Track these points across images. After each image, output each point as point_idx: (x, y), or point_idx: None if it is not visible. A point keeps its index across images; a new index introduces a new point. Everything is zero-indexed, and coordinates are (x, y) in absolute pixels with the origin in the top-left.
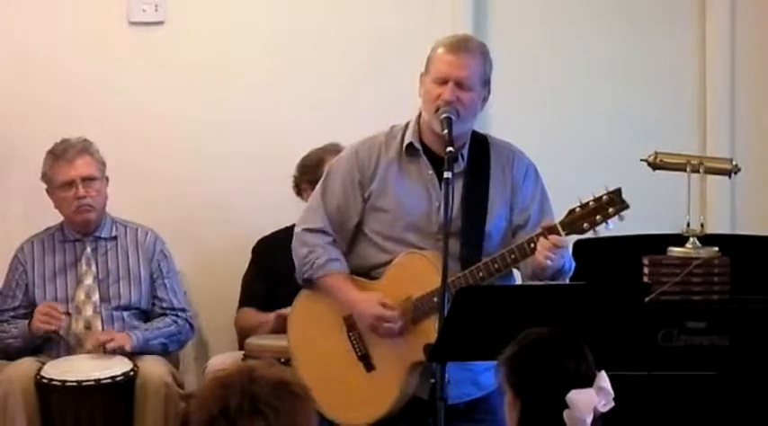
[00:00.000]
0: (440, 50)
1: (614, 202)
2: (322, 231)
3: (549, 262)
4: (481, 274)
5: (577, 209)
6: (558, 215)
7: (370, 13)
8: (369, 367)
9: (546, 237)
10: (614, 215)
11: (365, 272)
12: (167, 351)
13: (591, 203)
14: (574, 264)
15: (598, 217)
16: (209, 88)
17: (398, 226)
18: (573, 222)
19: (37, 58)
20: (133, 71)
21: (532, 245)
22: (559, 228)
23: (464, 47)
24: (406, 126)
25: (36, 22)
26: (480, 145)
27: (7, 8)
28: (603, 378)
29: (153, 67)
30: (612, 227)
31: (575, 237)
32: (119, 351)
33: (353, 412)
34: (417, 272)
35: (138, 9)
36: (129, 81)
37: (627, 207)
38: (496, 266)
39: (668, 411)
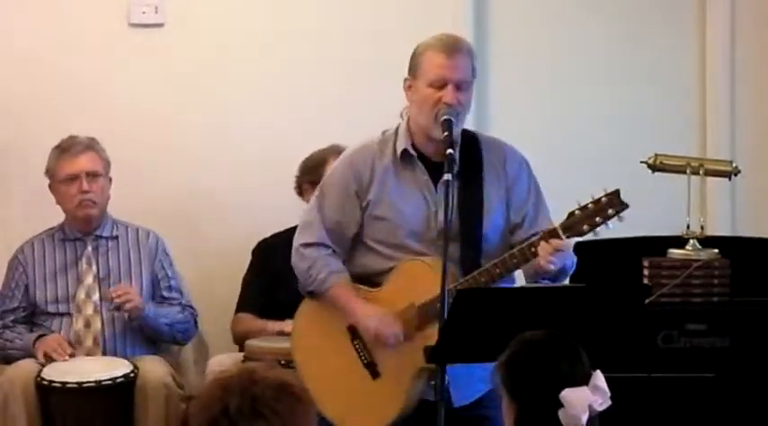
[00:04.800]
0: (431, 53)
1: (613, 203)
2: (320, 244)
3: (552, 267)
4: (483, 279)
5: (576, 212)
6: (557, 218)
7: (370, 13)
8: (375, 374)
9: (547, 241)
10: (614, 216)
11: (367, 278)
12: (173, 338)
13: (590, 205)
14: (575, 259)
15: (598, 218)
16: (209, 90)
17: (399, 233)
18: (573, 225)
19: (37, 60)
20: (133, 73)
21: (533, 250)
22: (560, 232)
23: (458, 47)
24: (397, 131)
25: (36, 23)
26: (471, 144)
27: (7, 9)
28: (599, 377)
29: (153, 69)
30: (612, 227)
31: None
32: (129, 313)
33: (362, 421)
34: (418, 279)
35: (137, 11)
36: (128, 83)
37: (626, 207)
38: (498, 271)
39: (668, 413)
